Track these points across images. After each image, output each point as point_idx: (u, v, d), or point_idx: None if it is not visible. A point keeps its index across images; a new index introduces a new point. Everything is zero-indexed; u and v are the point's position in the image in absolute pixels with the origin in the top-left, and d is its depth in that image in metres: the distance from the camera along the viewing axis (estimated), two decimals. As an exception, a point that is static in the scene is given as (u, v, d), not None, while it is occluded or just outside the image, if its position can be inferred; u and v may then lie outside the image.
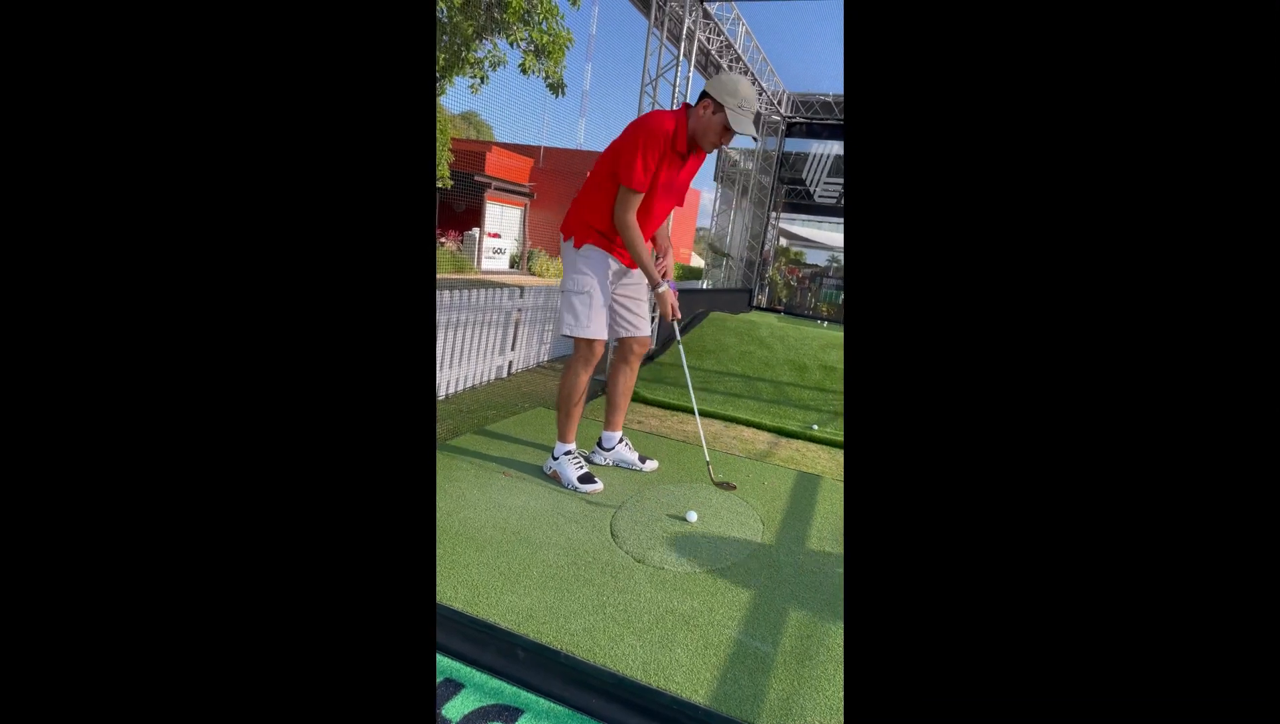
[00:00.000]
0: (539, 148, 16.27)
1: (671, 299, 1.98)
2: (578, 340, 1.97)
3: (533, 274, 13.56)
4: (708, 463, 2.04)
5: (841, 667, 1.25)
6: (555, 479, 2.03)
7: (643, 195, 1.87)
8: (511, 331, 3.85)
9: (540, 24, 5.55)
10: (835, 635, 1.35)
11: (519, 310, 3.93)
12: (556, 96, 5.92)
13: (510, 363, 3.92)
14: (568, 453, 2.04)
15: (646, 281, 2.04)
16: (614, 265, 2.04)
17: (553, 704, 1.10)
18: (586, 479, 1.98)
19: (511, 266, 14.57)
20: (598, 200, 1.94)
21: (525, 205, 14.63)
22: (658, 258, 2.06)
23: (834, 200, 7.71)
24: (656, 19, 4.31)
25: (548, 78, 5.78)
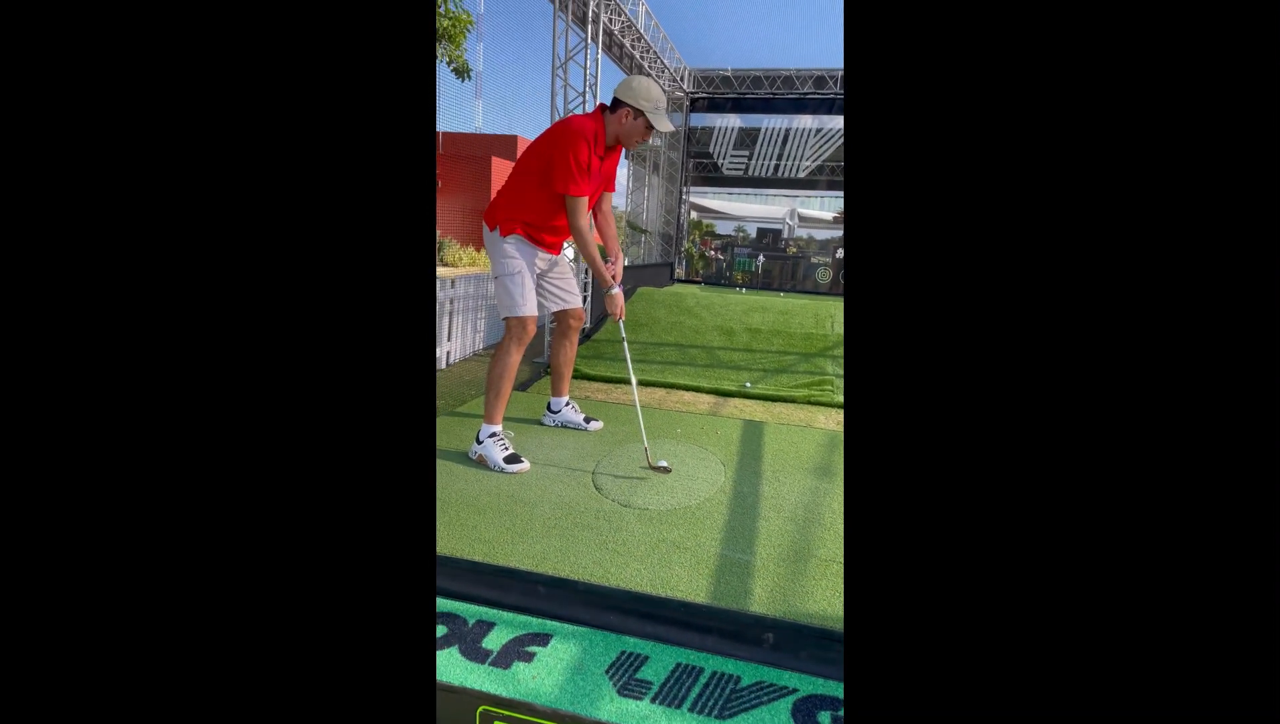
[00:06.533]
0: (437, 133, 15.72)
1: (620, 301, 2.17)
2: (510, 320, 2.10)
3: (445, 264, 13.20)
4: (645, 448, 2.10)
5: (807, 562, 1.51)
6: (482, 463, 2.03)
7: (587, 198, 2.05)
8: (445, 322, 3.89)
9: (439, 7, 5.42)
10: (798, 542, 1.61)
11: (450, 300, 3.96)
12: (462, 81, 5.83)
13: (448, 353, 3.96)
14: (493, 435, 2.05)
15: (576, 265, 2.21)
16: (540, 255, 2.19)
17: (576, 627, 1.28)
18: (513, 460, 2.01)
19: (421, 258, 14.04)
20: (522, 196, 2.10)
21: (429, 194, 14.16)
22: (609, 262, 2.22)
23: (740, 172, 8.08)
24: (560, 2, 4.38)
25: (451, 63, 5.67)
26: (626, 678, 1.12)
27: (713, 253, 9.21)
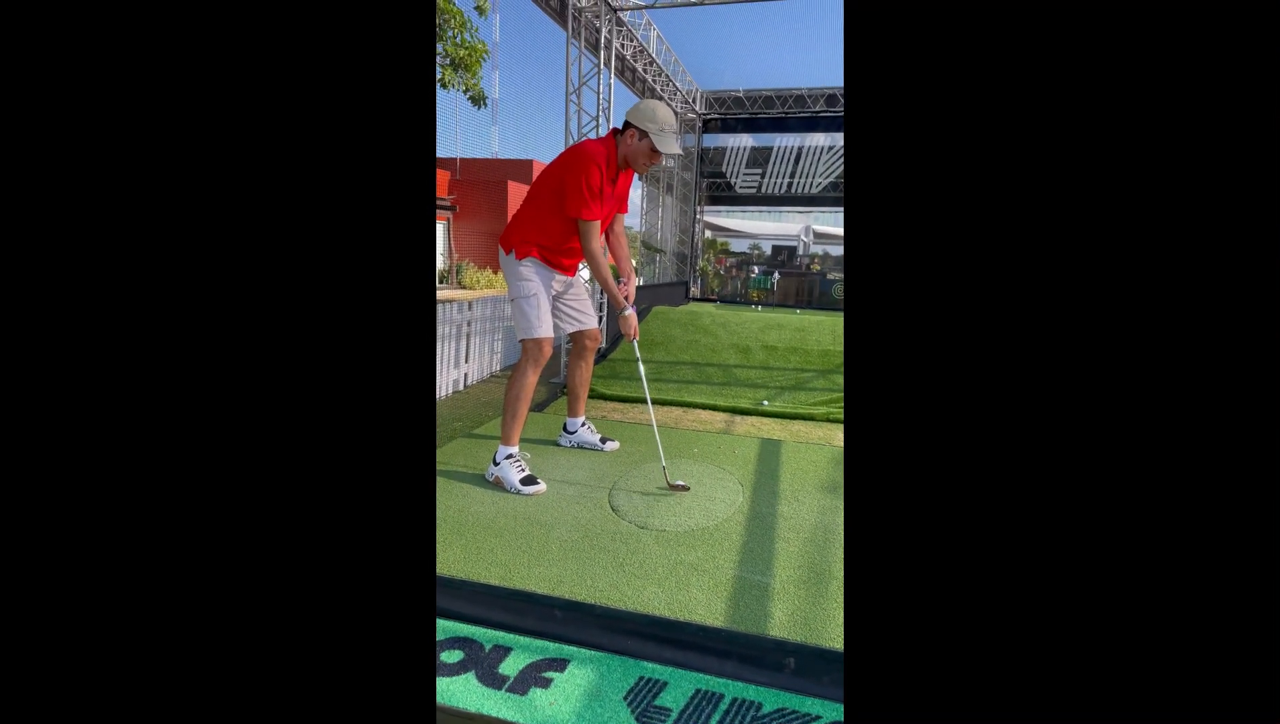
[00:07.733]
0: (455, 159, 16.03)
1: (634, 321, 2.21)
2: (526, 342, 2.12)
3: (462, 287, 13.37)
4: (664, 467, 2.10)
5: (828, 584, 1.47)
6: (498, 485, 2.04)
7: (599, 221, 2.08)
8: (464, 344, 3.92)
9: (454, 37, 5.55)
10: (818, 563, 1.58)
11: (468, 322, 4.00)
12: (479, 109, 5.94)
13: (465, 375, 3.99)
14: (509, 457, 2.06)
15: (591, 286, 2.24)
16: (556, 277, 2.22)
17: (594, 652, 1.27)
18: (529, 481, 2.01)
19: (440, 282, 14.33)
20: (537, 219, 2.13)
21: (448, 219, 14.40)
22: (622, 282, 2.25)
23: (753, 190, 8.12)
24: (574, 29, 4.47)
25: (468, 91, 5.79)
26: (645, 704, 1.10)
27: (726, 271, 9.21)
